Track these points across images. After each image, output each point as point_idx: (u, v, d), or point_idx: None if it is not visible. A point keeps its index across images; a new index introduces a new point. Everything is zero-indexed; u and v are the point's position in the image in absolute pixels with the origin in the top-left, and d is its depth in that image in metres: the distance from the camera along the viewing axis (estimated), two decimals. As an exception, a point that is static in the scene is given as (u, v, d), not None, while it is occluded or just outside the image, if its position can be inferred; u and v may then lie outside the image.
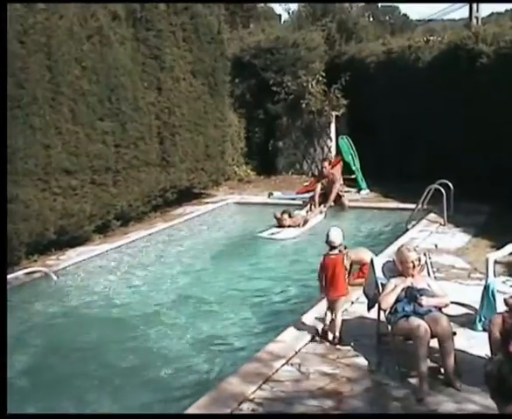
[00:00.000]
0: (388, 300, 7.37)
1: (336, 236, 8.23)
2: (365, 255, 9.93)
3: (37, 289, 11.34)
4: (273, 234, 14.61)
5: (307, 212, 15.81)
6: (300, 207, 16.35)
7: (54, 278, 11.62)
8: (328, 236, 8.22)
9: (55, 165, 12.73)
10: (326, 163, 17.21)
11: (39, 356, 8.95)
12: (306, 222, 15.09)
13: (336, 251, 8.24)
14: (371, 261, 8.17)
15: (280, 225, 14.85)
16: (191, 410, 6.43)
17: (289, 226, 14.91)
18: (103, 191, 13.99)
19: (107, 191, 14.09)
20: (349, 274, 9.97)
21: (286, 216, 14.90)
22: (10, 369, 8.22)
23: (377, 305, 7.80)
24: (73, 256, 12.90)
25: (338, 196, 16.55)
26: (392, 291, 7.38)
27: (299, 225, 14.98)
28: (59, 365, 8.61)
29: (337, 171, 16.92)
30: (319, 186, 16.58)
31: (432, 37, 18.72)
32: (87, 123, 13.53)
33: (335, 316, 8.04)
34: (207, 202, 17.75)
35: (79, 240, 13.54)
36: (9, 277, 11.33)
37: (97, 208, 13.81)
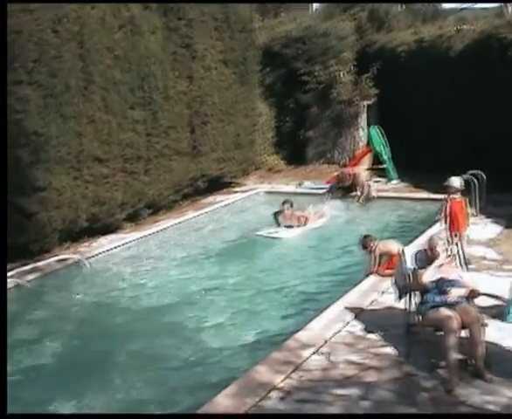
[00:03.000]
0: (428, 274, 7.34)
1: (456, 181, 10.47)
2: (394, 246, 9.90)
3: (69, 275, 11.51)
4: (272, 233, 13.95)
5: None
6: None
7: (86, 264, 11.76)
8: (449, 182, 10.43)
9: (87, 153, 12.88)
10: (344, 169, 17.26)
11: (70, 341, 9.10)
12: (306, 220, 14.33)
13: (459, 196, 10.40)
14: (402, 251, 8.13)
15: (280, 216, 14.30)
16: (220, 398, 6.47)
17: (288, 226, 14.24)
18: (134, 180, 14.13)
19: (138, 180, 14.22)
20: (378, 265, 10.01)
21: (287, 205, 14.33)
22: (41, 354, 8.44)
23: (406, 296, 7.78)
24: (105, 243, 13.06)
25: (366, 187, 16.48)
26: (431, 267, 7.38)
27: (299, 225, 14.28)
28: (89, 350, 8.74)
29: (366, 162, 16.86)
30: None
31: (464, 26, 18.51)
32: (119, 112, 13.66)
33: (461, 246, 8.28)
34: (237, 192, 17.81)
35: (110, 228, 13.70)
36: (42, 263, 11.60)
37: (128, 196, 13.95)
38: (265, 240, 13.64)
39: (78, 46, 12.69)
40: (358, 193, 16.46)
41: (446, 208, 10.36)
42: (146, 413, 7.01)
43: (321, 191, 17.14)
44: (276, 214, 14.37)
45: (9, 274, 11.05)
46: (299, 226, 14.24)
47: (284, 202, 14.37)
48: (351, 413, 6.18)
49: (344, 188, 16.69)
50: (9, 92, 11.28)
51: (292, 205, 14.36)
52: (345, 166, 17.15)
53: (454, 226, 10.36)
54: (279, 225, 14.10)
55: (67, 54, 12.41)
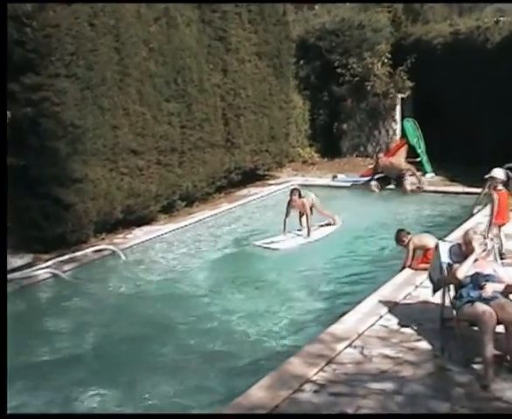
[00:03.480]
0: (463, 269, 7.30)
1: (501, 173, 10.47)
2: (429, 240, 9.85)
3: (105, 266, 11.66)
4: (272, 243, 12.91)
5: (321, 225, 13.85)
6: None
7: (122, 256, 11.89)
8: (494, 173, 10.43)
9: (122, 145, 12.99)
10: (381, 154, 17.15)
11: (106, 331, 9.21)
12: (309, 230, 13.29)
13: (502, 187, 10.36)
14: (436, 245, 8.10)
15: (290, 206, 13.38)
16: (254, 390, 6.49)
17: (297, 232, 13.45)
18: (169, 172, 14.22)
19: (172, 172, 14.31)
20: (412, 259, 9.97)
21: (295, 197, 13.31)
22: (79, 345, 8.55)
23: (441, 290, 7.75)
24: (140, 235, 13.17)
25: (401, 179, 16.41)
26: (467, 261, 7.34)
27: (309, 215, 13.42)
28: (126, 341, 8.82)
29: (401, 154, 16.79)
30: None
31: (501, 18, 18.31)
32: (154, 104, 13.75)
33: (500, 239, 8.72)
34: (271, 184, 17.84)
35: (144, 219, 13.80)
36: (78, 254, 11.76)
37: (163, 188, 14.05)
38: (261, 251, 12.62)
39: (114, 39, 12.78)
40: (407, 181, 16.35)
41: (496, 200, 10.30)
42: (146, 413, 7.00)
43: (355, 184, 17.13)
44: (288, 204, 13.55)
45: (46, 264, 11.28)
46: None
47: (293, 191, 13.55)
48: (383, 409, 6.18)
49: (382, 179, 16.63)
50: (47, 85, 11.53)
51: (300, 194, 13.40)
52: (379, 158, 16.97)
53: (500, 218, 10.36)
54: (287, 216, 13.33)
55: (103, 47, 12.51)
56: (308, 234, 13.17)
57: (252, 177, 17.57)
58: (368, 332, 7.86)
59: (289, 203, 13.35)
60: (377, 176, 16.75)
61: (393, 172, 16.58)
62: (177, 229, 13.60)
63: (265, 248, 12.61)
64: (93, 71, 12.26)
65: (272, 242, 12.86)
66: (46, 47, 11.51)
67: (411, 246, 10.02)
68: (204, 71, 15.24)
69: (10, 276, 10.84)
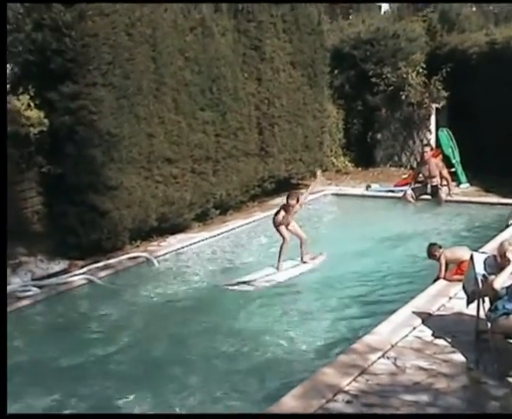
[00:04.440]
0: (500, 280, 7.24)
1: None
2: (462, 253, 9.78)
3: (139, 273, 11.76)
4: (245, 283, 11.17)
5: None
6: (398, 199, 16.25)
7: (156, 263, 11.99)
8: None
9: (157, 154, 13.11)
10: (428, 148, 17.02)
11: (140, 336, 9.34)
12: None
13: None
14: (471, 256, 8.04)
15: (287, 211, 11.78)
16: (287, 399, 6.51)
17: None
18: (203, 180, 14.31)
19: (206, 180, 14.39)
20: (445, 271, 9.92)
21: (293, 202, 11.79)
22: (111, 349, 8.66)
23: (476, 302, 7.70)
24: (174, 242, 13.27)
25: (436, 189, 16.31)
26: (503, 273, 7.28)
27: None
28: (158, 348, 8.93)
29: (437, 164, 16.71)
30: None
31: (539, 28, 18.14)
32: (189, 113, 13.86)
33: None
34: (304, 193, 17.78)
35: (178, 227, 13.89)
36: (113, 261, 11.89)
37: (197, 196, 14.14)
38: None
39: (150, 49, 12.92)
40: (442, 191, 16.26)
41: None
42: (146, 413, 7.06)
43: (389, 194, 17.06)
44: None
45: (81, 270, 11.43)
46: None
47: (289, 197, 11.93)
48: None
49: (420, 188, 16.55)
50: (85, 93, 11.70)
51: (298, 200, 11.94)
52: (425, 152, 16.84)
53: None
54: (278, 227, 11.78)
55: (140, 56, 12.65)
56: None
57: (285, 186, 17.52)
58: (401, 343, 7.84)
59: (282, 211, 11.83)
60: (412, 186, 16.64)
61: (431, 174, 16.41)
62: (211, 237, 13.65)
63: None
64: (129, 80, 12.41)
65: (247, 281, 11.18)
66: (84, 56, 11.69)
67: (442, 260, 9.96)
68: (238, 80, 15.32)
69: (46, 281, 11.06)
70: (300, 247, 12.02)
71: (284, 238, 11.72)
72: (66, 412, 7.31)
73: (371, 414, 6.05)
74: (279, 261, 11.70)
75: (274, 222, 11.82)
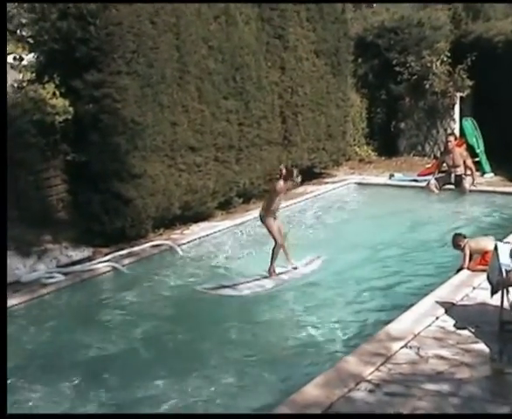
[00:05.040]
0: None
1: None
2: (486, 243, 9.73)
3: (163, 261, 11.82)
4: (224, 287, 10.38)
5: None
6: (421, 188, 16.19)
7: (179, 251, 12.06)
8: None
9: (181, 142, 13.15)
10: (452, 138, 16.89)
11: (163, 324, 9.37)
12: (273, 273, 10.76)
13: None
14: (495, 246, 8.00)
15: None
16: (309, 387, 6.53)
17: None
18: (226, 168, 14.34)
19: (229, 169, 14.43)
20: (469, 261, 9.88)
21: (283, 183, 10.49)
22: (132, 338, 8.71)
23: (500, 292, 7.66)
24: (197, 231, 13.33)
25: (459, 179, 16.21)
26: None
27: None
28: (182, 334, 8.95)
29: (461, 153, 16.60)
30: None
31: None
32: (212, 102, 13.88)
33: None
34: (327, 182, 17.82)
35: (202, 216, 13.95)
36: (137, 248, 11.98)
37: (220, 185, 14.18)
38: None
39: (174, 37, 12.94)
40: (466, 180, 16.17)
41: None
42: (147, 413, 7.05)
43: (412, 183, 17.00)
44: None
45: (106, 258, 11.52)
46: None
47: (287, 172, 10.57)
48: (440, 411, 6.15)
49: (444, 178, 16.47)
50: (109, 82, 11.76)
51: (297, 176, 10.68)
52: (449, 141, 16.73)
53: None
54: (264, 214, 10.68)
55: (164, 45, 12.69)
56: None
57: (308, 175, 17.56)
58: (424, 332, 7.82)
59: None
60: (436, 176, 16.56)
61: (455, 163, 16.29)
62: (234, 225, 13.68)
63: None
64: (153, 68, 12.45)
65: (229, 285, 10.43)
66: (109, 45, 11.74)
67: (467, 250, 9.91)
68: (262, 68, 15.32)
69: (71, 269, 11.16)
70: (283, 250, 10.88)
71: (275, 239, 10.61)
72: (91, 393, 7.43)
73: (371, 414, 6.03)
74: (271, 264, 10.70)
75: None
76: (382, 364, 7.04)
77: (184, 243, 12.53)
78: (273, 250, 10.71)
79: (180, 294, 10.47)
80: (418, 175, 17.53)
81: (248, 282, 10.50)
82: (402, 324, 8.02)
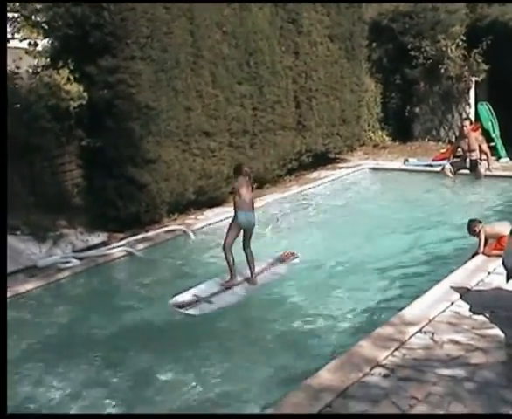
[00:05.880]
0: None
1: None
2: (502, 228, 9.68)
3: (177, 246, 11.86)
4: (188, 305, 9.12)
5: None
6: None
7: (193, 236, 12.09)
8: None
9: (195, 127, 13.16)
10: (467, 122, 16.80)
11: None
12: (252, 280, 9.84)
13: None
14: (511, 231, 7.98)
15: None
16: (324, 371, 6.55)
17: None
18: (240, 154, 14.34)
19: (243, 154, 14.42)
20: (484, 246, 9.85)
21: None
22: (148, 317, 8.79)
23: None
24: (211, 216, 13.35)
25: (475, 164, 16.14)
26: None
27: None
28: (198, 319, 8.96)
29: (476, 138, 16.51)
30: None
31: None
32: (226, 86, 13.88)
33: None
34: (342, 167, 17.78)
35: (216, 201, 13.96)
36: (151, 233, 12.03)
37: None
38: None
39: (188, 22, 12.93)
40: (481, 165, 16.09)
41: None
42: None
43: (427, 168, 16.94)
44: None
45: (121, 243, 11.58)
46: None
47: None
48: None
49: (459, 163, 16.41)
50: (123, 67, 11.78)
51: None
52: (464, 126, 16.65)
53: None
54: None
55: (178, 30, 12.68)
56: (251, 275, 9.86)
57: (322, 160, 17.56)
58: (439, 317, 7.81)
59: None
60: (451, 161, 16.50)
61: (470, 148, 16.21)
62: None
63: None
64: (167, 53, 12.46)
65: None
66: (123, 30, 11.76)
67: (482, 235, 9.88)
68: (276, 53, 15.28)
69: (86, 253, 11.23)
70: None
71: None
72: (107, 373, 7.54)
73: (371, 414, 6.03)
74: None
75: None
76: (396, 349, 7.04)
77: (198, 229, 12.55)
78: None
79: (192, 276, 10.45)
80: (433, 160, 17.46)
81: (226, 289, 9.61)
82: (416, 309, 8.01)
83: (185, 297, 9.16)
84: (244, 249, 9.76)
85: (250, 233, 9.76)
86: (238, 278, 9.80)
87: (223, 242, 9.70)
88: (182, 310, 8.89)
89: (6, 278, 6.59)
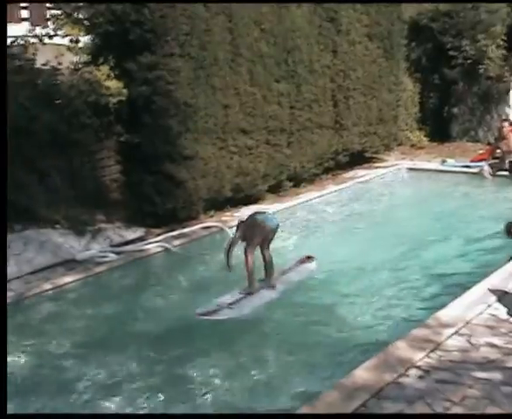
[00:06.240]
0: None
1: None
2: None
3: (213, 243, 11.87)
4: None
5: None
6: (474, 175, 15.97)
7: (229, 233, 12.12)
8: None
9: (232, 125, 13.22)
10: (506, 123, 16.63)
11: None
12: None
13: None
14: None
15: None
16: (359, 371, 6.54)
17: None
18: (277, 152, 14.37)
19: (280, 152, 14.45)
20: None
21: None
22: (186, 313, 8.79)
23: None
24: (247, 213, 13.32)
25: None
26: None
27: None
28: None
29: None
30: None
31: None
32: (264, 84, 13.91)
33: None
34: (378, 167, 17.71)
35: (252, 198, 14.02)
36: (188, 230, 12.11)
37: (271, 168, 14.22)
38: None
39: (227, 20, 12.99)
40: None
41: None
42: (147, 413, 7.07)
43: (465, 169, 16.79)
44: None
45: (157, 238, 11.68)
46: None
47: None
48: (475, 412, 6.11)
49: (498, 164, 16.24)
50: (162, 64, 11.87)
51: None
52: (503, 127, 16.49)
53: None
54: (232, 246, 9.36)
55: (216, 28, 12.74)
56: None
57: (359, 159, 17.50)
58: (475, 320, 7.73)
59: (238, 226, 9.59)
60: (490, 162, 16.34)
61: (510, 149, 16.04)
62: (284, 208, 13.68)
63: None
64: (206, 51, 12.53)
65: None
66: (162, 27, 11.84)
67: (521, 238, 9.78)
68: (314, 52, 15.26)
69: (123, 248, 11.34)
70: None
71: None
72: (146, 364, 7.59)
73: (371, 414, 6.00)
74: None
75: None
76: (432, 350, 7.00)
77: (235, 225, 12.55)
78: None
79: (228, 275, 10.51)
80: (471, 161, 17.30)
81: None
82: (453, 311, 7.94)
83: (209, 307, 8.81)
84: (262, 251, 9.40)
85: (274, 235, 9.44)
86: (257, 285, 9.35)
87: (244, 246, 9.23)
88: (208, 317, 8.60)
89: (6, 278, 6.65)
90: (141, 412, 6.85)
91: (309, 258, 10.36)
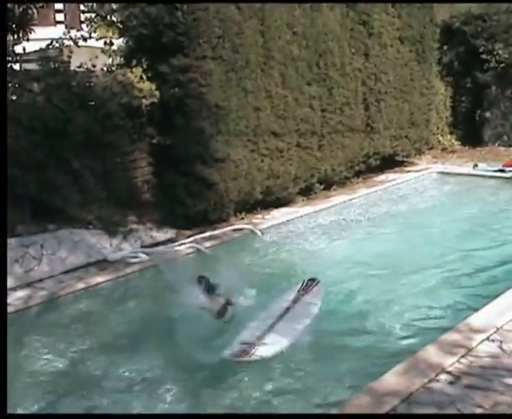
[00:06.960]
0: None
1: None
2: None
3: (244, 244, 11.97)
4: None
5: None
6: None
7: (260, 235, 12.19)
8: None
9: (264, 127, 13.26)
10: None
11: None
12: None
13: None
14: None
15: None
16: (389, 376, 6.53)
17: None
18: (308, 155, 14.38)
19: (311, 155, 14.46)
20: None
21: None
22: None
23: None
24: (278, 216, 13.43)
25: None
26: None
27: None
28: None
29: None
30: None
31: None
32: (296, 87, 13.93)
33: None
34: (409, 171, 17.63)
35: (282, 201, 14.05)
36: (218, 231, 12.18)
37: (301, 170, 14.24)
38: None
39: (259, 23, 13.04)
40: None
41: None
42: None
43: (497, 174, 16.65)
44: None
45: (188, 239, 11.76)
46: None
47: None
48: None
49: None
50: (194, 66, 11.96)
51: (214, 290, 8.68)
52: None
53: None
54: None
55: (249, 30, 12.79)
56: None
57: (390, 163, 17.44)
58: (507, 326, 7.68)
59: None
60: None
61: None
62: (315, 211, 13.72)
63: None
64: (238, 53, 12.59)
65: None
66: (195, 30, 11.92)
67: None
68: (345, 55, 15.24)
69: (154, 249, 11.43)
70: None
71: None
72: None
73: (370, 414, 5.97)
74: None
75: None
76: (463, 356, 6.96)
77: (265, 228, 12.64)
78: None
79: (259, 273, 10.55)
80: (504, 166, 17.14)
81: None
82: (484, 316, 7.91)
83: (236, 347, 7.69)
84: None
85: None
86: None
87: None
88: (244, 359, 7.47)
89: (6, 275, 6.71)
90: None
91: (312, 281, 9.13)
